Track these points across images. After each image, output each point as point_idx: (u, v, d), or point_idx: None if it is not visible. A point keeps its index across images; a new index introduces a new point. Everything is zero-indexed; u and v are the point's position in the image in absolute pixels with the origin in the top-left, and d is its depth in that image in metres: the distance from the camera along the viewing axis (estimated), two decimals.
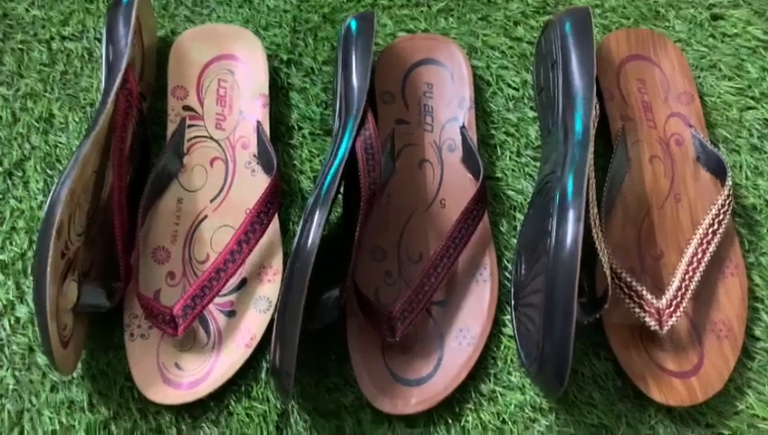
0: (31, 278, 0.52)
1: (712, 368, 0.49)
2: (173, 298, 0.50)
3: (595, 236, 0.46)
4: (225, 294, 0.51)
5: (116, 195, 0.49)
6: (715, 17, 0.63)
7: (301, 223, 0.46)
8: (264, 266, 0.52)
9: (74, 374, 0.49)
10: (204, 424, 0.49)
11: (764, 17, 0.62)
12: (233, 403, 0.49)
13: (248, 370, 0.50)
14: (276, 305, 0.49)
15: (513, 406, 0.49)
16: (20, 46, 0.62)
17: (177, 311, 0.48)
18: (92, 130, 0.47)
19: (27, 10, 0.64)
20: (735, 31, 0.62)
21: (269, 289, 0.51)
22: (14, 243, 0.54)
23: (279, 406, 0.49)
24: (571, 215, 0.43)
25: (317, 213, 0.45)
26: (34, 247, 0.46)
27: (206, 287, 0.49)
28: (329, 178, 0.47)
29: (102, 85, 0.52)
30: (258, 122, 0.56)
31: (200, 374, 0.49)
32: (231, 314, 0.51)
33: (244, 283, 0.52)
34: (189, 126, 0.57)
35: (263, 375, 0.50)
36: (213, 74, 0.59)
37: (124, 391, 0.49)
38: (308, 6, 0.64)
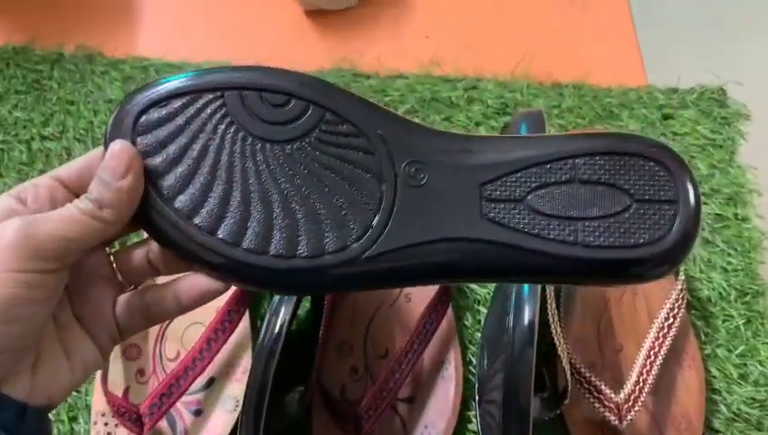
0: None
1: None
2: (142, 395, 0.50)
3: (554, 331, 0.48)
4: (192, 393, 0.51)
5: None
6: (665, 117, 0.66)
7: (266, 318, 0.47)
8: (232, 366, 0.52)
9: None
10: None
11: (711, 117, 0.66)
12: None
13: None
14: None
15: None
16: (0, 146, 0.65)
17: (144, 409, 0.48)
18: None
19: (10, 112, 0.66)
20: (685, 130, 0.65)
21: (237, 388, 0.51)
22: None
23: None
24: (526, 313, 0.45)
25: (282, 309, 0.46)
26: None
27: (173, 386, 0.49)
28: None
29: None
30: None
31: None
32: (198, 412, 0.51)
33: (212, 382, 0.52)
34: None
35: None
36: None
37: None
38: None
